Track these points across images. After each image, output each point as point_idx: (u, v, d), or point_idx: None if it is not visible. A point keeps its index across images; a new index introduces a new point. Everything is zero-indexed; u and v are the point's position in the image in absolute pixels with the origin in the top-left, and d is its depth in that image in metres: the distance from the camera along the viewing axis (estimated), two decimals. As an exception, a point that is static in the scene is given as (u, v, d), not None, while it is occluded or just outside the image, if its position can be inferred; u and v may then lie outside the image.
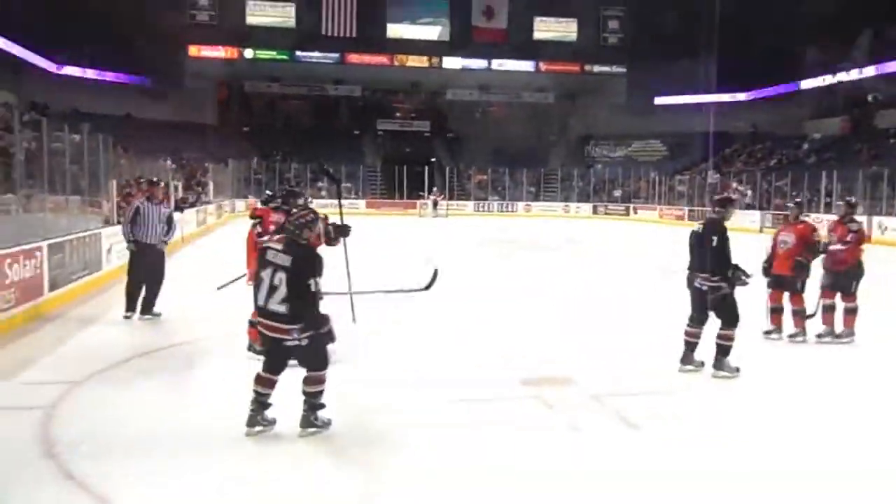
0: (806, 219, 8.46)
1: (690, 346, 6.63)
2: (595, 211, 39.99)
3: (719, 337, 6.47)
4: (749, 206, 30.75)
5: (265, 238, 6.69)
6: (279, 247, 4.79)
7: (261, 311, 4.81)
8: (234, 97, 47.47)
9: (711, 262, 6.38)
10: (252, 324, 6.92)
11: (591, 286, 12.83)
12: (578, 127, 47.99)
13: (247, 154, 40.53)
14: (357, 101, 49.34)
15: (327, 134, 45.49)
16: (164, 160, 23.71)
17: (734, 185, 34.44)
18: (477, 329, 8.56)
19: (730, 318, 6.47)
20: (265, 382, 4.87)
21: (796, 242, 7.83)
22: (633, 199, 40.55)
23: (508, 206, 41.05)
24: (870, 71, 35.47)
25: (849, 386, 6.48)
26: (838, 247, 7.90)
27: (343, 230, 6.31)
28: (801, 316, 7.91)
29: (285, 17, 44.60)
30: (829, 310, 7.97)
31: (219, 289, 7.64)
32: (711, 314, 6.51)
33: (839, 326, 7.96)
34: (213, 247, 18.29)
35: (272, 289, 4.71)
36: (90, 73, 37.88)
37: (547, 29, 47.27)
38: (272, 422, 4.92)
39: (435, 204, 36.85)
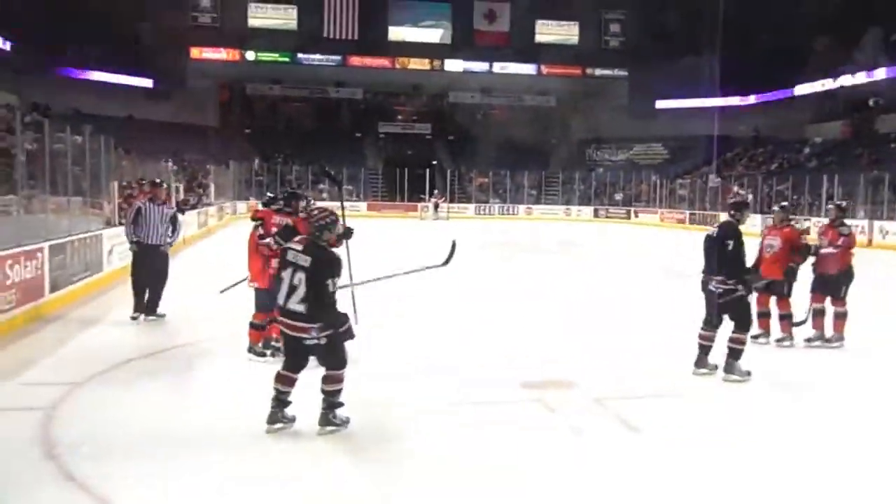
0: (792, 222, 8.40)
1: (704, 350, 6.63)
2: (596, 214, 40.00)
3: (731, 340, 6.47)
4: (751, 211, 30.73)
5: (267, 240, 6.71)
6: (299, 247, 4.89)
7: (280, 310, 4.90)
8: (236, 99, 47.48)
9: (727, 266, 6.38)
10: (253, 325, 6.94)
11: (593, 289, 12.83)
12: (580, 130, 48.01)
13: (248, 156, 40.55)
14: (359, 104, 49.35)
15: (329, 136, 45.49)
16: (166, 162, 23.69)
17: (735, 188, 34.39)
18: (479, 330, 8.57)
19: (742, 321, 6.48)
20: (285, 380, 4.95)
21: (782, 246, 7.79)
22: (634, 202, 40.56)
23: (509, 209, 41.06)
24: (871, 75, 35.45)
25: (843, 390, 6.46)
26: (829, 250, 7.88)
27: (345, 233, 6.32)
28: (787, 320, 7.87)
29: (287, 19, 44.64)
30: (818, 314, 7.94)
31: (222, 292, 7.64)
32: (725, 318, 6.51)
33: (829, 331, 7.94)
34: (215, 249, 18.30)
35: (292, 288, 4.81)
36: (92, 75, 37.89)
37: (548, 32, 47.30)
38: (292, 419, 4.98)
39: (436, 206, 36.89)
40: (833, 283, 7.87)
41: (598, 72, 47.14)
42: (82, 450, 4.57)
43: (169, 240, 8.96)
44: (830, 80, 37.57)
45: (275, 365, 6.62)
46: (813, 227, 19.25)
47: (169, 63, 38.98)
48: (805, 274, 8.03)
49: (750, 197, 31.93)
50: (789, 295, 7.84)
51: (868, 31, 34.09)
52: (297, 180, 37.95)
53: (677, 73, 39.61)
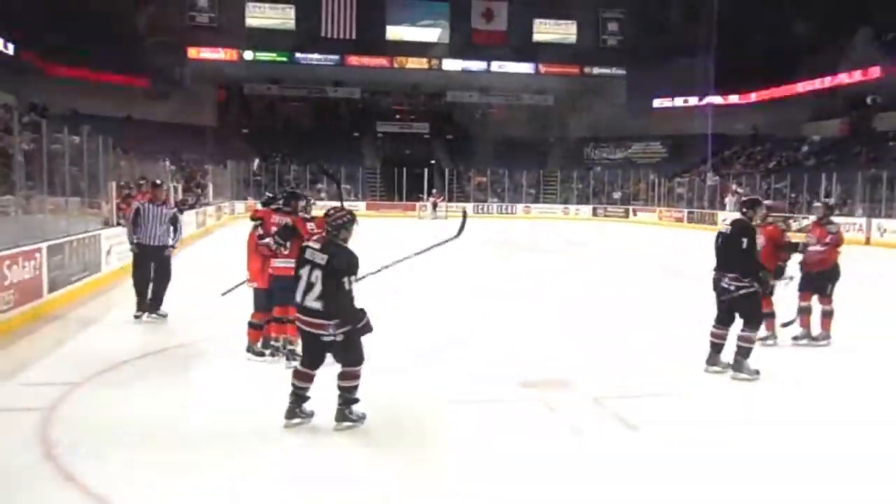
0: (775, 220, 8.33)
1: (717, 348, 6.63)
2: (594, 213, 40.00)
3: (740, 339, 6.47)
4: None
5: (266, 240, 6.71)
6: (317, 246, 4.99)
7: (298, 307, 4.99)
8: (234, 99, 47.45)
9: (741, 264, 6.39)
10: (251, 325, 6.94)
11: (592, 287, 12.84)
12: (578, 129, 48.00)
13: (246, 156, 40.52)
14: (357, 103, 49.33)
15: (327, 136, 45.46)
16: (164, 161, 23.69)
17: (733, 187, 34.46)
18: (477, 328, 8.57)
19: (753, 320, 6.49)
20: (303, 377, 5.04)
21: (766, 244, 7.67)
22: (632, 200, 40.58)
23: (508, 207, 41.07)
24: (869, 73, 35.46)
25: (833, 388, 6.47)
26: (817, 248, 7.84)
27: None
28: (771, 319, 7.81)
29: (285, 18, 44.59)
30: (805, 312, 7.92)
31: (223, 295, 7.63)
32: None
33: (816, 329, 7.92)
34: (213, 248, 18.28)
35: (309, 286, 4.90)
36: (90, 75, 37.83)
37: (546, 31, 47.29)
38: (310, 414, 5.06)
39: (434, 206, 36.88)
40: (820, 281, 7.85)
41: (596, 70, 47.13)
42: (81, 450, 4.57)
43: (171, 242, 8.95)
44: (828, 78, 37.59)
45: (274, 364, 6.67)
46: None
47: (167, 63, 38.92)
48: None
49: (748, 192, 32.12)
50: (772, 293, 7.79)
51: (863, 29, 34.11)
52: (295, 180, 37.93)
53: (675, 72, 39.64)
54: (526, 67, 47.05)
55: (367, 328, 4.91)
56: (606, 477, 4.42)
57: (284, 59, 44.92)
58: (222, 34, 43.09)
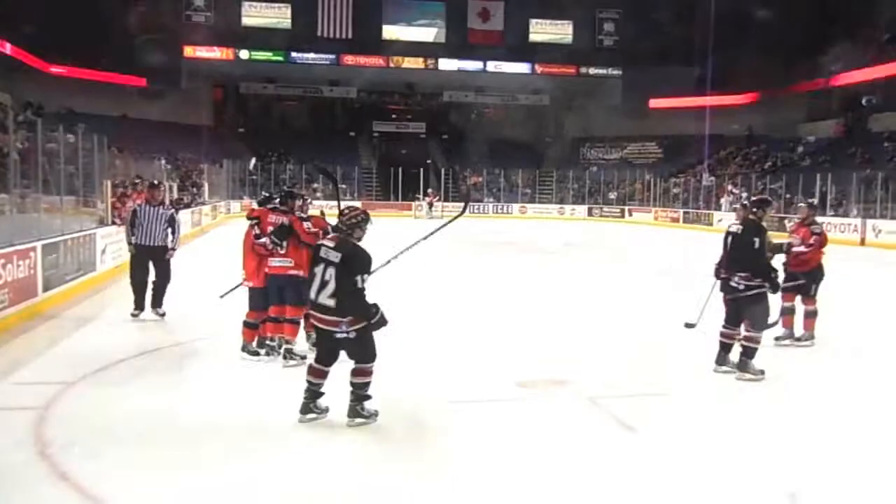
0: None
1: (726, 347, 6.63)
2: (590, 213, 40.02)
3: (746, 339, 6.47)
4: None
5: (263, 240, 6.69)
6: (332, 244, 5.07)
7: (312, 304, 5.07)
8: (230, 98, 47.34)
9: (753, 264, 6.38)
10: (247, 324, 6.92)
11: (588, 287, 12.85)
12: (574, 129, 47.97)
13: (242, 155, 40.46)
14: (353, 103, 49.22)
15: (323, 135, 45.41)
16: (159, 160, 23.65)
17: (729, 187, 34.51)
18: (473, 329, 8.57)
19: (760, 320, 6.48)
20: (317, 373, 5.12)
21: None
22: (628, 201, 40.61)
23: (503, 207, 41.07)
24: (864, 75, 35.51)
25: (823, 388, 6.49)
26: (801, 248, 7.81)
27: None
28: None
29: (281, 17, 44.46)
30: (789, 312, 7.90)
31: (221, 297, 7.61)
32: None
33: (799, 329, 7.90)
34: (209, 248, 18.26)
35: (323, 283, 4.98)
36: (85, 74, 37.72)
37: (542, 31, 47.23)
38: (325, 410, 5.15)
39: (430, 205, 36.90)
40: (803, 281, 7.85)
41: (592, 71, 47.05)
42: (76, 449, 4.56)
43: (170, 244, 8.93)
44: (824, 79, 37.64)
45: (269, 363, 6.67)
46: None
47: (162, 62, 38.77)
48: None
49: (745, 194, 32.22)
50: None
51: (858, 30, 34.15)
52: (291, 179, 37.86)
53: (671, 72, 39.62)
54: (522, 67, 46.98)
55: (383, 321, 4.98)
56: (601, 476, 4.42)
57: (280, 58, 44.77)
58: (218, 33, 42.95)
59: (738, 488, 4.29)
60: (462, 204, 6.99)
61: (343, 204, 5.73)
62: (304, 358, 6.68)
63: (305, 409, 5.12)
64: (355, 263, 4.95)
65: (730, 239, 6.65)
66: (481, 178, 43.21)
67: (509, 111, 48.92)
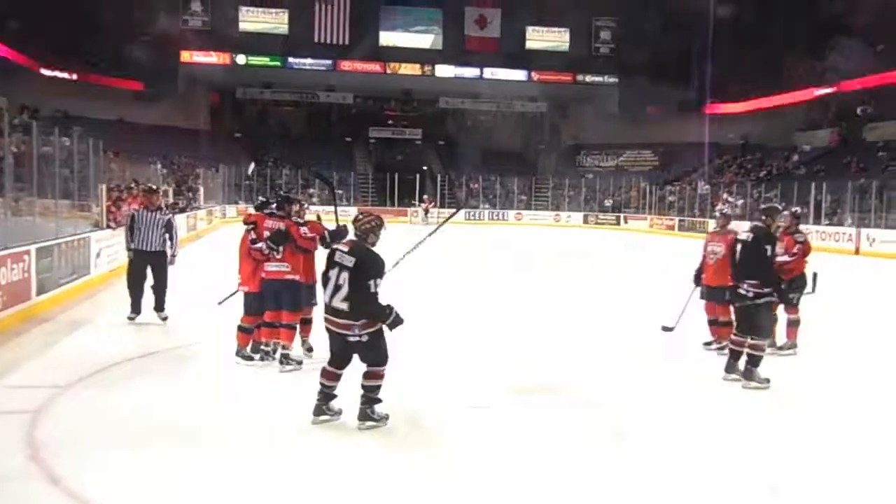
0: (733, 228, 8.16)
1: (735, 355, 6.61)
2: (586, 220, 40.06)
3: (750, 347, 6.45)
4: (739, 217, 30.86)
5: (259, 244, 6.68)
6: (346, 249, 5.15)
7: (326, 307, 5.15)
8: (227, 103, 47.32)
9: (764, 272, 6.37)
10: (241, 328, 6.90)
11: (584, 293, 12.84)
12: (570, 136, 48.06)
13: (238, 160, 40.42)
14: (349, 109, 49.27)
15: (319, 141, 45.43)
16: (155, 164, 23.62)
17: (724, 195, 34.56)
18: (469, 335, 8.55)
19: (765, 328, 6.49)
20: (329, 376, 5.20)
21: (728, 253, 7.47)
22: (623, 208, 40.67)
23: (499, 214, 41.10)
24: (859, 84, 35.65)
25: (808, 394, 6.52)
26: (784, 258, 7.70)
27: (340, 234, 6.41)
28: (721, 326, 7.65)
29: (278, 23, 44.48)
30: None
31: (220, 304, 7.59)
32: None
33: (781, 338, 7.87)
34: (205, 253, 18.21)
35: (336, 287, 5.06)
36: (82, 77, 37.69)
37: (539, 38, 47.32)
38: (338, 412, 5.23)
39: (426, 211, 36.93)
40: (787, 290, 7.81)
41: (589, 78, 47.13)
42: (68, 452, 4.54)
43: (170, 252, 8.91)
44: (819, 88, 37.77)
45: (264, 369, 6.65)
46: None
47: (159, 66, 38.76)
48: None
49: (741, 201, 32.31)
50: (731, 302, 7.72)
51: (854, 39, 34.30)
52: (287, 184, 37.84)
53: (667, 80, 39.73)
54: (519, 74, 47.03)
55: (399, 320, 5.06)
56: (596, 481, 4.42)
57: (277, 63, 44.75)
58: (215, 38, 42.95)
59: (723, 482, 4.34)
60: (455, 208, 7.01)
61: (340, 209, 5.75)
62: (300, 363, 6.68)
63: (318, 411, 5.19)
64: (369, 268, 5.02)
65: (739, 247, 6.60)
66: (477, 185, 43.23)
67: (505, 118, 48.99)
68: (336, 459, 4.70)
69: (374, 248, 5.18)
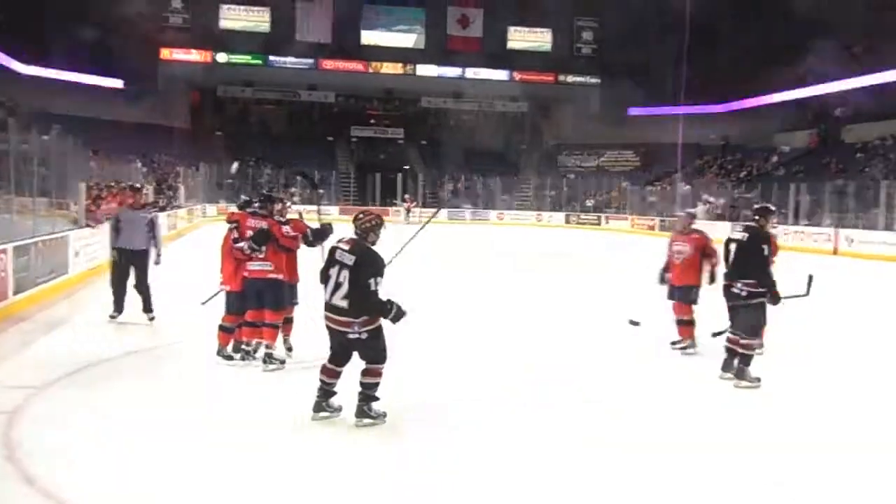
0: (698, 228, 8.07)
1: (732, 354, 6.62)
2: (567, 220, 40.22)
3: (742, 346, 6.48)
4: (720, 217, 31.09)
5: (241, 244, 6.63)
6: (346, 247, 5.16)
7: (326, 305, 5.16)
8: (207, 101, 47.06)
9: (761, 272, 6.39)
10: (222, 328, 6.85)
11: (568, 293, 12.88)
12: (551, 136, 48.23)
13: (219, 158, 40.20)
14: (331, 108, 49.15)
15: (301, 140, 45.31)
16: (135, 163, 23.44)
17: (705, 196, 34.80)
18: (462, 334, 8.58)
19: (756, 328, 6.50)
20: (329, 373, 5.22)
21: (694, 253, 7.59)
22: (605, 208, 40.85)
23: (481, 214, 41.16)
24: (837, 86, 36.01)
25: (792, 393, 6.54)
26: None
27: (324, 231, 6.38)
28: (687, 325, 7.71)
29: (259, 21, 44.30)
30: None
31: (203, 304, 7.52)
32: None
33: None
34: (185, 251, 18.06)
35: (337, 285, 5.09)
36: (61, 75, 37.31)
37: (521, 39, 47.47)
38: (338, 409, 5.26)
39: (408, 211, 36.93)
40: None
41: (570, 78, 47.35)
42: (44, 453, 4.48)
43: (154, 252, 8.81)
44: (798, 90, 38.12)
45: (245, 368, 6.60)
46: (781, 234, 19.54)
47: (139, 64, 38.48)
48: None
49: (722, 201, 32.54)
50: (695, 302, 7.67)
51: (832, 41, 34.63)
52: (268, 183, 37.68)
53: (649, 81, 39.93)
54: (500, 74, 47.15)
55: (401, 313, 5.09)
56: (593, 481, 4.43)
57: (259, 61, 44.58)
58: (196, 36, 42.70)
59: (733, 491, 4.33)
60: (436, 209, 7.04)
61: (321, 208, 5.73)
62: (283, 362, 6.64)
63: (318, 408, 5.21)
64: (369, 266, 5.04)
65: (733, 247, 6.61)
66: (460, 185, 43.26)
67: (487, 118, 49.11)
68: (333, 457, 4.68)
69: (375, 247, 5.21)
